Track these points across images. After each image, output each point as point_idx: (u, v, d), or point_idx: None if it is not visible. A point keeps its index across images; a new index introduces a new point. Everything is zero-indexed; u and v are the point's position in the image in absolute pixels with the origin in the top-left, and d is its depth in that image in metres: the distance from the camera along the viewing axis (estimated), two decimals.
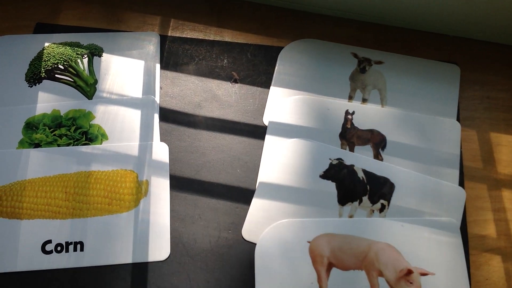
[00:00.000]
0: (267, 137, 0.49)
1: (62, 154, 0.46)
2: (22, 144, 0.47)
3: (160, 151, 0.47)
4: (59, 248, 0.43)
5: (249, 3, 0.55)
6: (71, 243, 0.43)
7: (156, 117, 0.49)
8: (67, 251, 0.43)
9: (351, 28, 0.55)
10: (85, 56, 0.51)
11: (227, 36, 0.54)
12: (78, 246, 0.43)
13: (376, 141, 0.49)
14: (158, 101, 0.50)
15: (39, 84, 0.50)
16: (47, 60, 0.50)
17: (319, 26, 0.55)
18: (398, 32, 0.55)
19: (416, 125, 0.50)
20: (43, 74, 0.50)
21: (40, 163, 0.46)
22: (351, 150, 0.49)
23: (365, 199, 0.46)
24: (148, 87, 0.50)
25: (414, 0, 0.51)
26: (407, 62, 0.53)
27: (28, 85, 0.49)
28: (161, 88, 0.51)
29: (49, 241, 0.43)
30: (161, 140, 0.48)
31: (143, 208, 0.45)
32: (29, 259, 0.42)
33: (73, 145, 0.47)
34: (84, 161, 0.46)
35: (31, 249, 0.43)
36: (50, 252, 0.43)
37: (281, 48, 0.53)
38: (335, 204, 0.46)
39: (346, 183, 0.47)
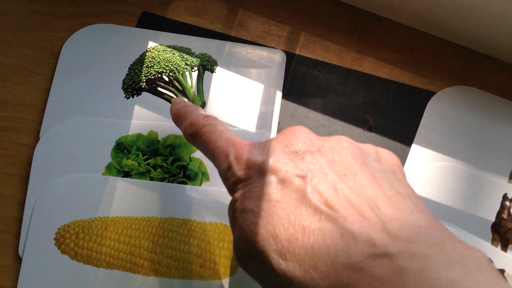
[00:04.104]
0: None
1: (155, 191, 0.38)
2: (109, 169, 0.39)
3: None
4: None
5: (404, 27, 0.44)
6: None
7: None
8: None
9: None
10: (195, 68, 0.42)
11: (368, 66, 0.43)
12: None
13: None
14: None
15: (137, 96, 0.41)
16: (150, 67, 0.42)
17: (487, 72, 0.43)
18: None
19: None
20: (144, 84, 0.41)
21: (128, 199, 0.38)
22: (504, 249, 0.39)
23: None
24: (264, 120, 0.41)
25: None
26: None
27: (124, 95, 0.41)
28: (279, 123, 0.41)
29: None
30: None
31: (240, 278, 0.37)
32: None
33: (168, 181, 0.39)
34: (179, 204, 0.38)
35: None
36: None
37: (432, 93, 0.43)
38: None
39: None
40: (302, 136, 0.27)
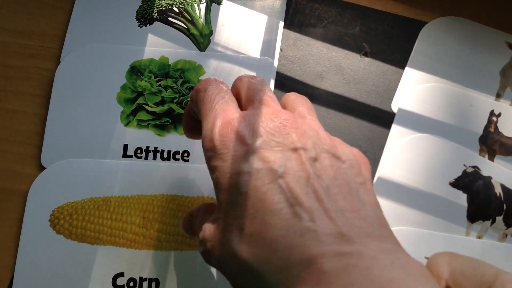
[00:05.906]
0: (393, 126, 0.42)
1: (143, 171, 0.40)
2: (124, 90, 0.42)
3: None
4: (131, 284, 0.38)
5: None
6: (145, 279, 0.38)
7: (271, 84, 0.43)
8: None
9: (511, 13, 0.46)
10: (203, 1, 0.45)
11: None
12: (153, 284, 0.38)
13: None
14: (276, 65, 0.44)
15: (149, 25, 0.45)
16: None
17: (473, 4, 0.46)
18: None
19: None
20: (156, 14, 0.45)
21: (118, 180, 0.40)
22: (491, 159, 0.42)
23: (499, 219, 0.40)
24: (268, 47, 0.44)
25: None
26: None
27: (138, 24, 0.45)
28: (281, 50, 0.45)
29: (121, 274, 0.38)
30: None
31: None
32: None
33: (178, 100, 0.42)
34: (167, 182, 0.40)
35: (101, 282, 0.38)
36: (122, 287, 0.38)
37: (424, 23, 0.46)
38: (463, 219, 0.40)
39: (480, 197, 0.40)
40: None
